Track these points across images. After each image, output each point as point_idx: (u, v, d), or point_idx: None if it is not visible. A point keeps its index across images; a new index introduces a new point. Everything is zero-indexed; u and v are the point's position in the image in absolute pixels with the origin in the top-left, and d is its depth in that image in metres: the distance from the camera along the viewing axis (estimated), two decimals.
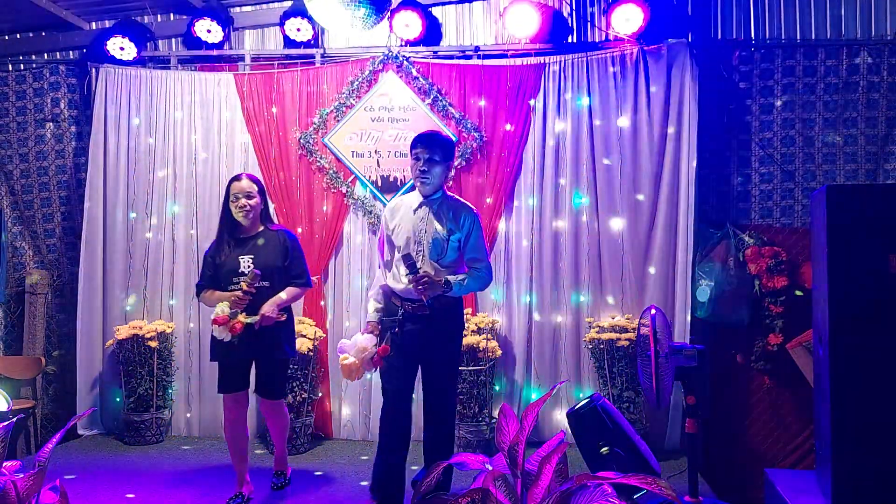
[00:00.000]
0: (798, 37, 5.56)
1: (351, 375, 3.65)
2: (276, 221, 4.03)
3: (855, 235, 3.48)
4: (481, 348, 5.16)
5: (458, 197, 3.88)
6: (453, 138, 3.58)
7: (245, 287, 3.72)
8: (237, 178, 3.93)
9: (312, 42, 5.86)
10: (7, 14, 5.85)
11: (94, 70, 5.98)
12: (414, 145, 3.64)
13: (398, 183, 5.68)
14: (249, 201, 3.85)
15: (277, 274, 3.88)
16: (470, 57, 5.73)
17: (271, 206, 5.81)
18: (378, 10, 4.96)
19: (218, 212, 5.80)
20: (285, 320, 3.92)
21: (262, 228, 3.95)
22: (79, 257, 5.88)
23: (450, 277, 3.57)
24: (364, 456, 5.18)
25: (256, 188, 3.91)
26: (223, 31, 5.81)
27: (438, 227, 3.62)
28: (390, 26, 5.64)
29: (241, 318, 3.71)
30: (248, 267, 3.80)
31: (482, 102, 5.60)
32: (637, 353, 3.81)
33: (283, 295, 3.87)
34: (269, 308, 3.78)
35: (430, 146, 3.59)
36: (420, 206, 3.69)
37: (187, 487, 4.43)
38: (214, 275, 3.89)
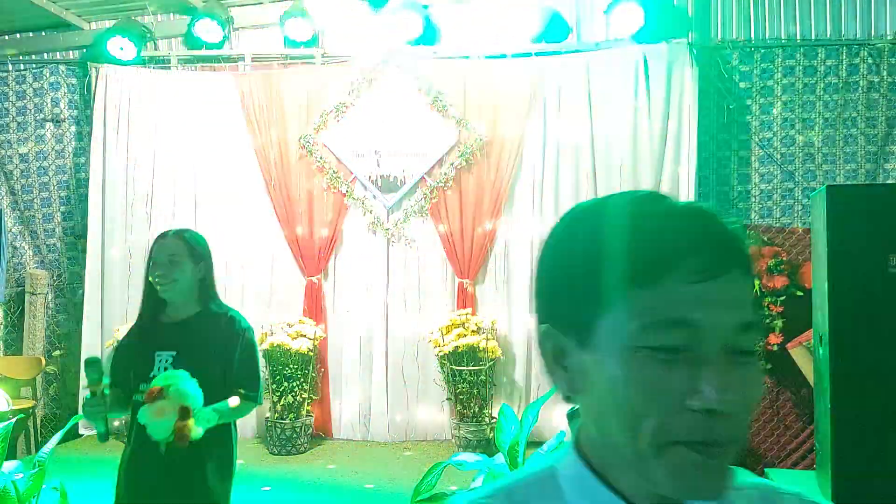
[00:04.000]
0: (798, 37, 5.56)
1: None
2: (221, 301, 2.64)
3: (855, 235, 3.48)
4: (481, 348, 5.16)
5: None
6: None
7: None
8: (161, 235, 2.61)
9: (312, 42, 5.86)
10: (7, 14, 5.85)
11: (94, 70, 5.97)
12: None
13: (398, 183, 5.68)
14: (172, 269, 2.50)
15: (211, 382, 2.39)
16: (470, 57, 5.72)
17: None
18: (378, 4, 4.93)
19: (217, 213, 5.85)
20: (219, 443, 2.43)
21: (199, 310, 2.55)
22: (79, 257, 5.88)
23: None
24: (364, 457, 5.19)
25: (186, 248, 2.54)
26: (223, 30, 5.81)
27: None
28: (390, 26, 5.63)
29: None
30: (164, 370, 2.44)
31: (482, 103, 5.60)
32: None
33: (209, 412, 2.30)
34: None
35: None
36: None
37: None
38: (124, 377, 2.52)
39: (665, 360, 0.62)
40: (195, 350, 2.47)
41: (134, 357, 2.53)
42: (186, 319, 2.54)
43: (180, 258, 2.50)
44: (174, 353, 2.48)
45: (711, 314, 0.62)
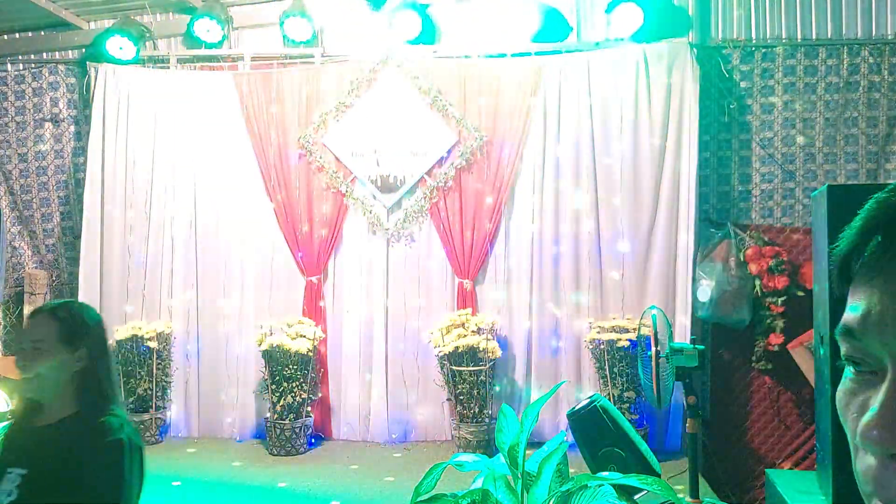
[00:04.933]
0: (799, 36, 5.54)
1: None
2: (115, 399, 1.98)
3: None
4: (481, 348, 5.15)
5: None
6: None
7: None
8: (33, 312, 2.01)
9: (312, 41, 5.85)
10: (7, 14, 5.84)
11: (93, 70, 5.96)
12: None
13: (398, 183, 5.67)
14: (35, 360, 1.88)
15: None
16: (470, 57, 5.71)
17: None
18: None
19: (216, 213, 5.83)
20: None
21: (72, 412, 1.90)
22: (78, 257, 5.88)
23: None
24: (363, 458, 5.18)
25: (59, 331, 1.89)
26: (222, 30, 5.80)
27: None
28: (390, 26, 5.63)
29: None
30: (10, 493, 1.82)
31: (482, 102, 5.59)
32: (638, 353, 3.80)
33: None
34: None
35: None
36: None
37: (186, 488, 4.42)
38: None
39: (850, 377, 0.45)
40: (47, 470, 1.83)
41: None
42: (52, 425, 1.89)
43: (48, 345, 1.87)
44: (25, 471, 1.85)
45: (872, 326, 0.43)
